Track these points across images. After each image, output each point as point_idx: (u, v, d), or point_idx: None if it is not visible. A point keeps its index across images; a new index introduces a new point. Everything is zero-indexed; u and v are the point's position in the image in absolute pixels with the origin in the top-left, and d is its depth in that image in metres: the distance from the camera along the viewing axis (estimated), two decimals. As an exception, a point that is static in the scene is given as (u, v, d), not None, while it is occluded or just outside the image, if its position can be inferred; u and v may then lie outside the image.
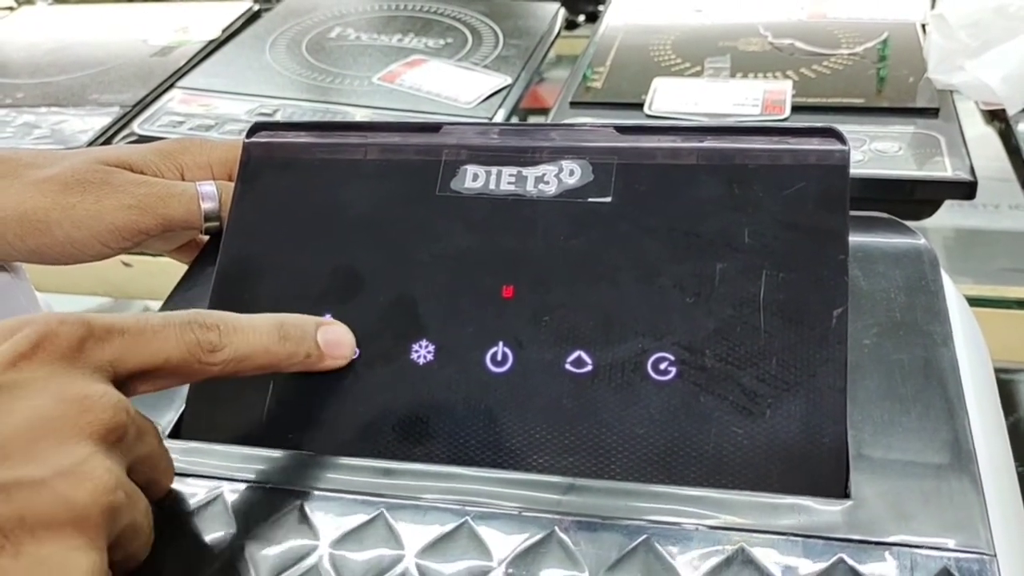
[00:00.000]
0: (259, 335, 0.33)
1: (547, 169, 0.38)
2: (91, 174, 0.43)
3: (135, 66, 0.91)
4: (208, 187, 0.44)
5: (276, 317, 0.34)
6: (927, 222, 0.66)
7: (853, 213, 0.41)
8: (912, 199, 0.63)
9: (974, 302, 0.42)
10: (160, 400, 0.38)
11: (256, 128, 0.41)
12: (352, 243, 0.39)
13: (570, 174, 0.37)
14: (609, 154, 0.38)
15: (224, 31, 0.96)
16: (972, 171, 0.62)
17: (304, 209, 0.40)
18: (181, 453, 0.36)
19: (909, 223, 0.41)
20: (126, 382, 0.31)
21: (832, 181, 0.35)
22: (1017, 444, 0.37)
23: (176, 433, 0.37)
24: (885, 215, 0.41)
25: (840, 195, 0.35)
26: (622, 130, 0.38)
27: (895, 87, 0.73)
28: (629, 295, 0.36)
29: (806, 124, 0.36)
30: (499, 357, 0.36)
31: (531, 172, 0.38)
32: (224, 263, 0.39)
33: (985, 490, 0.31)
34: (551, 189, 0.38)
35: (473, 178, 0.38)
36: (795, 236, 0.35)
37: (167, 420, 0.37)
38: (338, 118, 0.78)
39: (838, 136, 0.36)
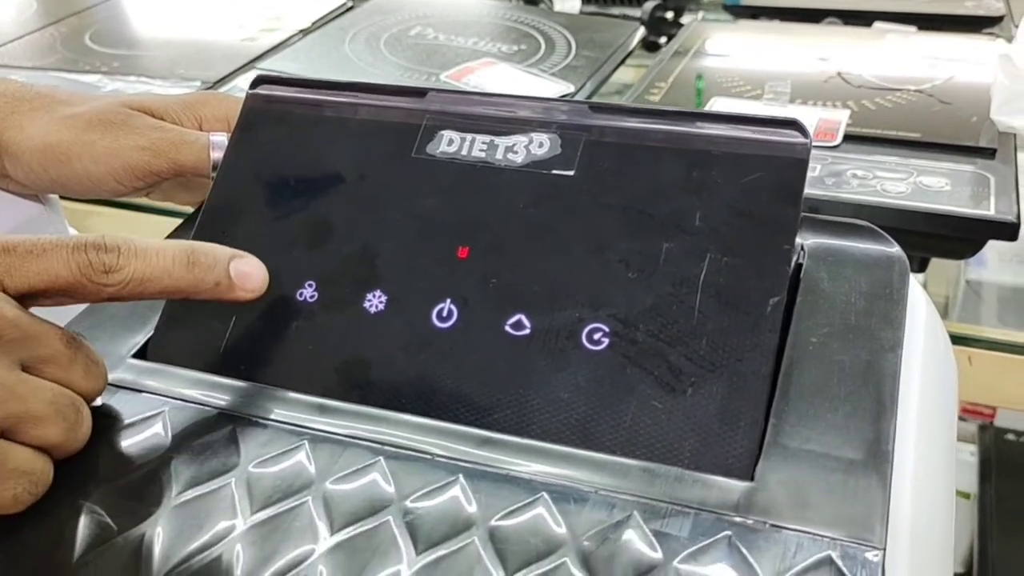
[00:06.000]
0: (163, 260, 0.34)
1: (518, 139, 0.39)
2: (113, 115, 0.46)
3: (225, 47, 0.95)
4: (219, 138, 0.46)
5: (188, 244, 0.36)
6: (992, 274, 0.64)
7: (835, 219, 0.41)
8: (950, 235, 0.62)
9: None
10: (134, 323, 0.40)
11: (260, 80, 0.43)
12: (328, 195, 0.40)
13: (539, 146, 0.38)
14: (579, 130, 0.38)
15: (315, 23, 1.00)
16: (1018, 214, 0.60)
17: (290, 160, 0.41)
18: (139, 372, 0.38)
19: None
20: (22, 298, 0.33)
21: (789, 173, 0.35)
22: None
23: (143, 354, 0.39)
24: (865, 223, 0.40)
25: (795, 187, 0.35)
26: (595, 108, 0.38)
27: (956, 125, 0.71)
28: (575, 266, 0.36)
29: (772, 115, 0.36)
30: (445, 313, 0.37)
31: (503, 142, 0.39)
32: (210, 204, 0.42)
33: (895, 491, 0.30)
34: (518, 159, 0.38)
35: (448, 143, 0.39)
36: (744, 223, 0.35)
37: (135, 341, 0.39)
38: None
39: (801, 130, 0.35)
